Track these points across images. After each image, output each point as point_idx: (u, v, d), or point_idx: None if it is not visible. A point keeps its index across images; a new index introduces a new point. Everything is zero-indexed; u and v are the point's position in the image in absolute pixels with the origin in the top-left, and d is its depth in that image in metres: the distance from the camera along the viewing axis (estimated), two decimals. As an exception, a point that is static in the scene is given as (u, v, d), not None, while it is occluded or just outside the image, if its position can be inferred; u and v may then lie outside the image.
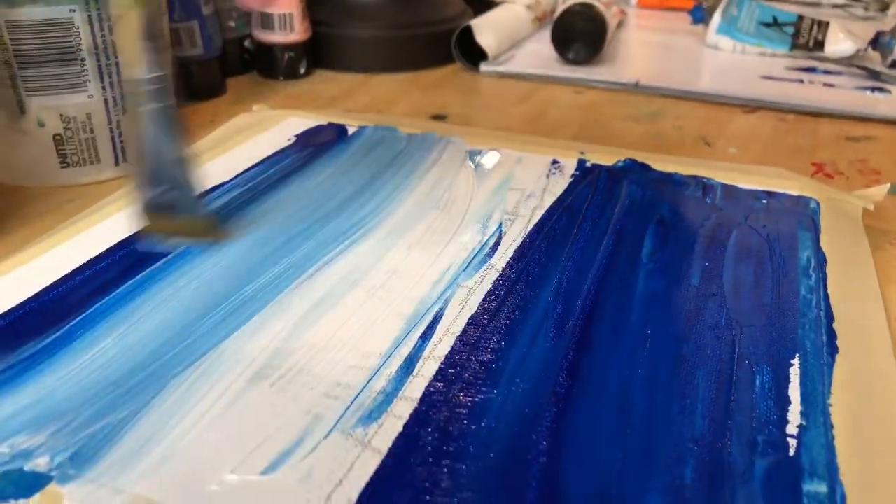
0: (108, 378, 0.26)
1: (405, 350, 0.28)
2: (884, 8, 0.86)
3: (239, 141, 0.45)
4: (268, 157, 0.43)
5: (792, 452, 0.23)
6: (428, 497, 0.21)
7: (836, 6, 0.87)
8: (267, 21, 0.59)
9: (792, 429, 0.24)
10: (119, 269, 0.32)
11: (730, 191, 0.40)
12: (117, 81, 0.41)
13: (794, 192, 0.40)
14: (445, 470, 0.22)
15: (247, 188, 0.40)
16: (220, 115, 0.52)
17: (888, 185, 0.41)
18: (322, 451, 0.23)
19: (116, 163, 0.43)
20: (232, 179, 0.41)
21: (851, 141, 0.52)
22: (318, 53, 0.64)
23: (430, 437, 0.24)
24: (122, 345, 0.28)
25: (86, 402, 0.25)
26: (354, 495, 0.21)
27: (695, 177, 0.41)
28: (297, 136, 0.46)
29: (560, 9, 0.63)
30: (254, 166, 0.42)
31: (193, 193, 0.35)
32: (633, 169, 0.42)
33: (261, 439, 0.23)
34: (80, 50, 0.39)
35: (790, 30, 0.69)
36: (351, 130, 0.47)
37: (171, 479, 0.22)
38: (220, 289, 0.31)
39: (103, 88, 0.41)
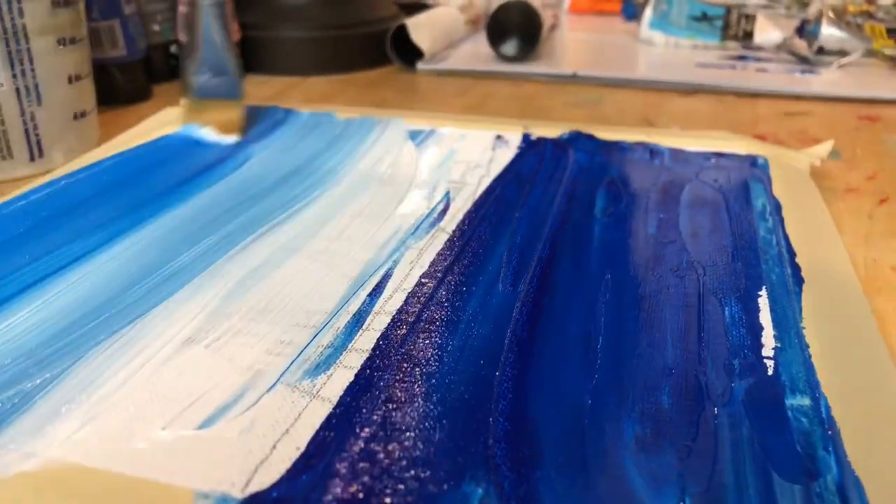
0: (19, 349, 0.23)
1: (353, 307, 0.26)
2: (803, 8, 0.88)
3: (165, 133, 0.43)
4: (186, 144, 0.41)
5: (770, 372, 0.22)
6: (386, 438, 0.19)
7: (759, 7, 0.90)
8: (193, 23, 0.57)
9: (767, 351, 0.23)
10: (34, 247, 0.29)
11: (677, 153, 0.39)
12: (30, 70, 0.39)
13: (742, 152, 0.39)
14: (405, 411, 0.20)
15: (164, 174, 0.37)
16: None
17: (832, 142, 0.40)
18: (265, 404, 0.21)
19: (32, 158, 0.40)
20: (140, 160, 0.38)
21: (789, 116, 0.52)
22: (248, 57, 0.61)
23: (385, 383, 0.21)
24: (37, 318, 0.25)
25: (-9, 373, 0.22)
26: (304, 442, 0.19)
27: (641, 143, 0.41)
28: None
29: (494, 4, 0.63)
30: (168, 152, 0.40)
31: (237, 79, 0.42)
32: (579, 138, 0.41)
33: (195, 396, 0.21)
34: (-12, 32, 0.37)
35: (719, 23, 0.70)
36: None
37: (92, 440, 0.19)
38: (144, 263, 0.28)
39: (14, 77, 0.38)
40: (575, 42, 0.73)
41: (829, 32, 0.64)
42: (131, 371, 0.22)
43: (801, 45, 0.67)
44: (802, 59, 0.65)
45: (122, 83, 0.53)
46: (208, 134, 0.41)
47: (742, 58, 0.66)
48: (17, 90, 0.39)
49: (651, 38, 0.70)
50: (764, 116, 0.52)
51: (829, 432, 0.19)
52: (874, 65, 0.63)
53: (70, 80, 0.41)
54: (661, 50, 0.69)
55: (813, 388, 0.21)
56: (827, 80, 0.59)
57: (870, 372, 0.22)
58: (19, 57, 0.38)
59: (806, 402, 0.20)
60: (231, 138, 0.41)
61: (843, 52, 0.63)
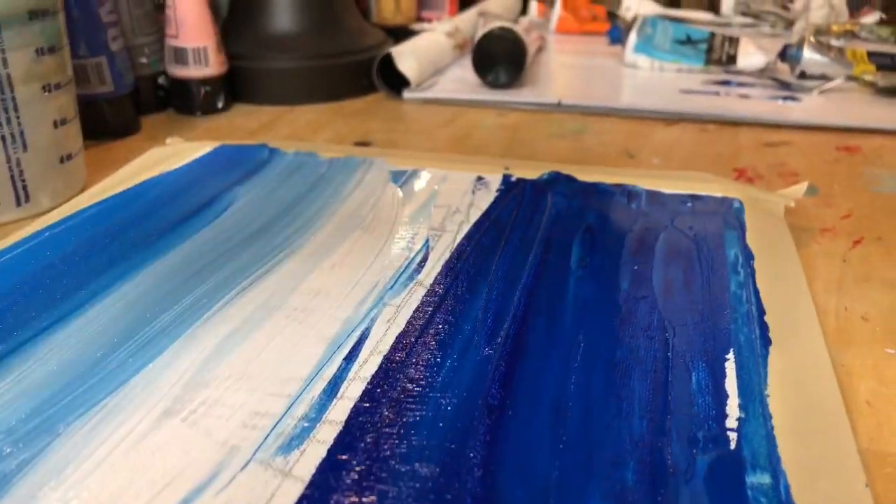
0: (-2, 425, 0.23)
1: (328, 373, 0.26)
2: (788, 26, 0.89)
3: (151, 175, 0.43)
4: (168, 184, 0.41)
5: (733, 446, 0.22)
6: (354, 524, 0.20)
7: (744, 25, 0.90)
8: (181, 55, 0.57)
9: (731, 422, 0.23)
10: (16, 310, 0.30)
11: (654, 196, 0.40)
12: (15, 118, 0.39)
13: (718, 194, 0.40)
14: (373, 493, 0.21)
15: (151, 219, 0.38)
16: (134, 154, 0.49)
17: (806, 184, 0.41)
18: (238, 483, 0.21)
19: (18, 203, 0.41)
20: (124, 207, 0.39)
21: (769, 147, 0.53)
22: (236, 87, 0.62)
23: (356, 461, 0.22)
24: (17, 390, 0.25)
25: (-29, 453, 0.22)
26: (273, 528, 0.20)
27: (619, 185, 0.41)
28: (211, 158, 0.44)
29: (480, 33, 0.63)
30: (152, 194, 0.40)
31: None
32: (558, 180, 0.42)
33: (170, 477, 0.21)
34: (-29, 84, 0.37)
35: (703, 46, 0.70)
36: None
37: (66, 529, 0.20)
38: (124, 326, 0.29)
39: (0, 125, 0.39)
40: (560, 67, 0.73)
41: (811, 57, 0.64)
42: (109, 448, 0.22)
43: (783, 70, 0.67)
44: (784, 84, 0.65)
45: (111, 118, 0.54)
46: None
47: (725, 83, 0.66)
48: (3, 137, 0.39)
49: (636, 62, 0.71)
50: (745, 147, 0.53)
51: (787, 513, 0.20)
52: (855, 90, 0.64)
53: (55, 125, 0.42)
54: (645, 74, 0.70)
55: (774, 464, 0.22)
56: (808, 107, 0.60)
57: (829, 447, 0.22)
58: (4, 105, 0.39)
59: (766, 479, 0.21)
60: None
61: (825, 77, 0.64)
